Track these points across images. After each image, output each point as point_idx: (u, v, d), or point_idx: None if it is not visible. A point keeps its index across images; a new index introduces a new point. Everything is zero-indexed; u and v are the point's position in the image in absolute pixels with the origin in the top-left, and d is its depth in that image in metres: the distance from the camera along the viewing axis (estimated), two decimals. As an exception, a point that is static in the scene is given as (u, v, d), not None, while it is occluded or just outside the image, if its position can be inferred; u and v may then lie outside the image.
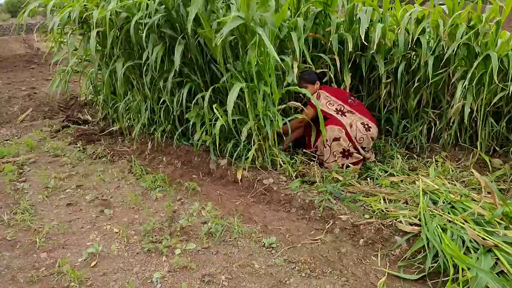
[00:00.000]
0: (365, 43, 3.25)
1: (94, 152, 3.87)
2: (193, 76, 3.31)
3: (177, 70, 3.01)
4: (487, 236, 2.00)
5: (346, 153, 3.15)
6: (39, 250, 2.29)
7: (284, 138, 3.45)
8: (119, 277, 2.03)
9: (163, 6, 3.04)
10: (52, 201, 2.93)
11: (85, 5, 3.38)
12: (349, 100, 3.31)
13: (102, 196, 2.99)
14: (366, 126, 3.17)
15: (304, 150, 3.41)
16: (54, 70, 4.78)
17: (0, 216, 2.68)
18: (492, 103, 3.03)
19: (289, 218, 2.55)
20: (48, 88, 6.10)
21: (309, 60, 3.24)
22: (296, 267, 2.08)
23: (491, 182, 2.56)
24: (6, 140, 4.37)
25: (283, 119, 3.05)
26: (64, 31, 3.75)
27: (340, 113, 3.21)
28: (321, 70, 3.49)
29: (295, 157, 3.22)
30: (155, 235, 2.37)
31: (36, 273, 2.07)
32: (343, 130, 3.12)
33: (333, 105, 3.24)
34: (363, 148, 3.18)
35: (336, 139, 3.13)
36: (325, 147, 3.22)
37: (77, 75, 4.81)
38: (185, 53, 3.19)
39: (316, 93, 3.30)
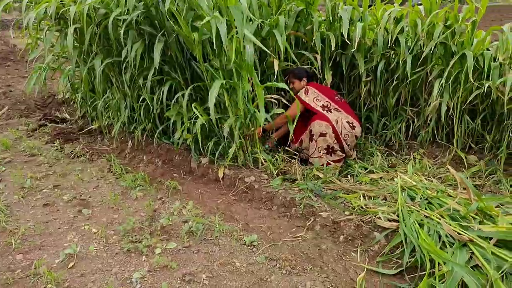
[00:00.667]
0: (347, 41, 3.28)
1: (72, 151, 3.79)
2: (173, 74, 3.28)
3: (157, 67, 2.97)
4: (462, 231, 2.05)
5: (330, 150, 3.18)
6: (14, 252, 2.23)
7: (270, 136, 3.45)
8: (97, 278, 2.00)
9: (142, 2, 3.00)
10: (28, 201, 2.86)
11: (61, 0, 3.30)
12: (336, 98, 3.35)
13: (81, 196, 2.93)
14: (351, 125, 3.21)
15: (287, 148, 3.43)
16: (30, 67, 4.65)
17: (-27, 217, 2.60)
18: (468, 101, 3.11)
19: (271, 216, 2.56)
20: (24, 85, 5.95)
21: (293, 57, 3.26)
22: (277, 265, 2.08)
23: (467, 178, 2.63)
24: (-20, 139, 4.24)
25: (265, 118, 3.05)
26: (41, 27, 3.65)
27: (326, 109, 3.24)
28: (304, 67, 3.51)
29: (277, 155, 3.23)
30: (135, 235, 2.34)
31: (11, 275, 2.01)
32: (330, 127, 3.14)
33: (320, 101, 3.27)
34: (348, 146, 3.22)
35: (323, 135, 3.15)
36: (311, 141, 3.24)
37: (54, 72, 4.70)
38: (165, 50, 3.15)
39: (303, 89, 3.33)
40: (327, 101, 3.28)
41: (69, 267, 2.08)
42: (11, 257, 2.19)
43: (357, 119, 3.32)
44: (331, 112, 3.23)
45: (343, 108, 3.31)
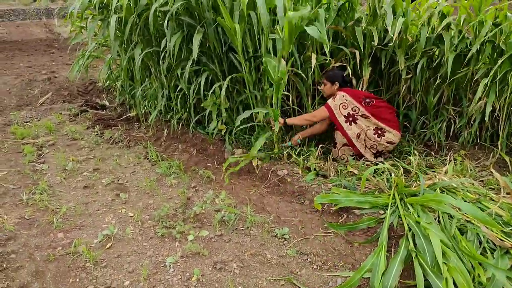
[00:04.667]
0: (391, 35, 3.16)
1: (111, 137, 3.92)
2: (211, 65, 3.31)
3: (195, 58, 3.01)
4: (504, 238, 1.96)
5: (357, 157, 3.14)
6: (56, 230, 2.34)
7: (297, 133, 3.38)
8: (133, 260, 2.07)
9: (183, -6, 3.03)
10: (70, 183, 2.99)
11: (106, -10, 3.41)
12: (366, 101, 3.11)
13: (118, 180, 3.03)
14: (379, 132, 3.06)
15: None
16: (74, 55, 4.83)
17: (19, 195, 2.74)
18: (516, 102, 2.95)
19: (302, 210, 2.55)
20: (67, 72, 6.19)
21: (326, 51, 3.16)
22: (308, 259, 2.07)
23: (511, 182, 2.50)
24: (26, 122, 4.46)
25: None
26: (84, 16, 3.78)
27: (351, 118, 3.07)
28: (340, 63, 3.42)
29: (311, 150, 3.20)
30: (169, 221, 2.40)
31: (52, 252, 2.12)
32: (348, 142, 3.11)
33: (346, 109, 3.07)
34: (379, 152, 3.13)
35: (346, 145, 3.13)
36: (334, 148, 3.21)
37: (96, 61, 4.86)
38: (203, 41, 3.18)
39: (333, 95, 3.16)
40: (355, 107, 3.07)
41: (106, 247, 2.16)
42: (52, 235, 2.30)
43: (392, 124, 3.12)
44: (356, 122, 3.06)
45: (373, 113, 3.08)
